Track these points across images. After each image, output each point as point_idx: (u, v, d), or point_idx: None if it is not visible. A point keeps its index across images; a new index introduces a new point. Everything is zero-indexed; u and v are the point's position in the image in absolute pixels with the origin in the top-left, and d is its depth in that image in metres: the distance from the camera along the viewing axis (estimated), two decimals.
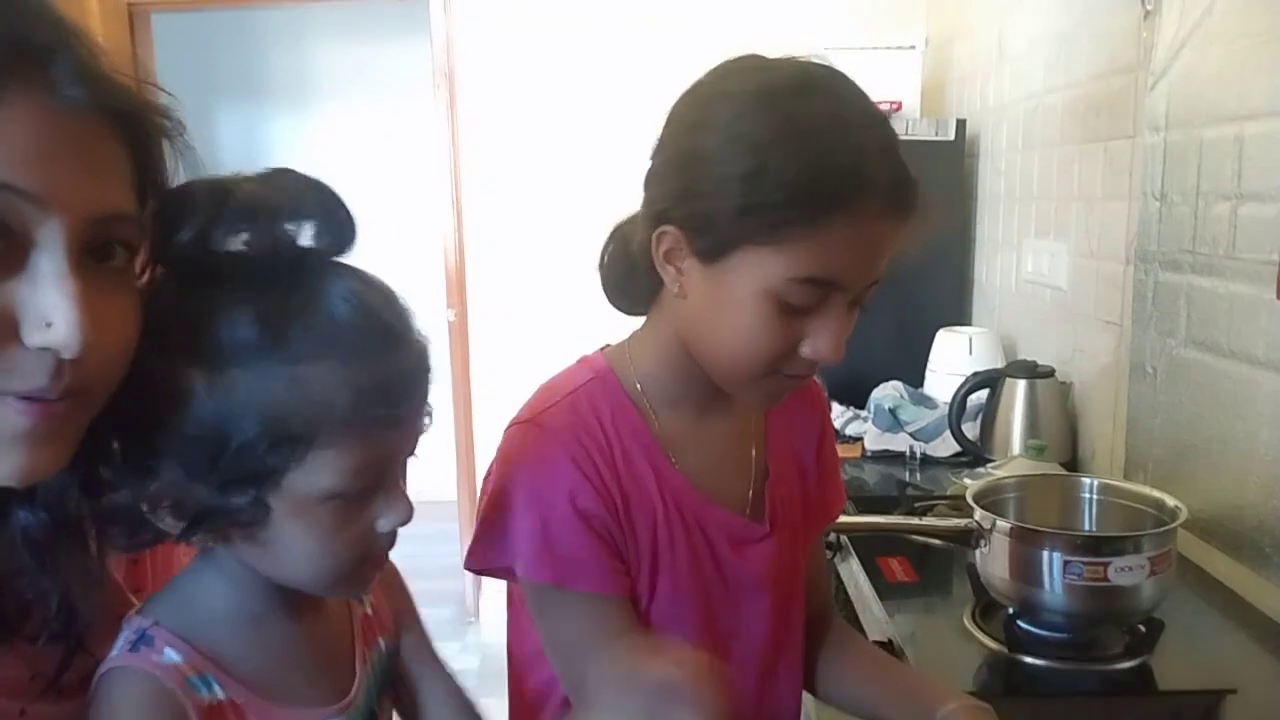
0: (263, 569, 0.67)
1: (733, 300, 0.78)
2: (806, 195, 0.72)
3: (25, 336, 0.51)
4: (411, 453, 0.68)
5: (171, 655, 0.64)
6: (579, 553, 0.83)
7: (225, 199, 0.61)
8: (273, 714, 0.68)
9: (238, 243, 0.61)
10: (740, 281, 0.77)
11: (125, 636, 0.66)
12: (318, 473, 0.61)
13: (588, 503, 0.83)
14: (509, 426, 0.89)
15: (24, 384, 0.52)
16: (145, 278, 0.62)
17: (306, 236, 0.63)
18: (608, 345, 0.94)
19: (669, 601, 0.88)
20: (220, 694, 0.65)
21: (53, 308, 0.51)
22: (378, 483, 0.65)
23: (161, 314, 0.60)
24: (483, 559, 0.86)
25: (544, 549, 0.82)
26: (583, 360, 0.92)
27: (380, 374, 0.62)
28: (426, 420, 0.68)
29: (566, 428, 0.85)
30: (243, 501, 0.61)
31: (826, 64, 0.79)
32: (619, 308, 0.93)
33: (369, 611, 0.80)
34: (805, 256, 0.74)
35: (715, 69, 0.81)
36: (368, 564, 0.68)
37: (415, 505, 0.68)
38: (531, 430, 0.86)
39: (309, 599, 0.72)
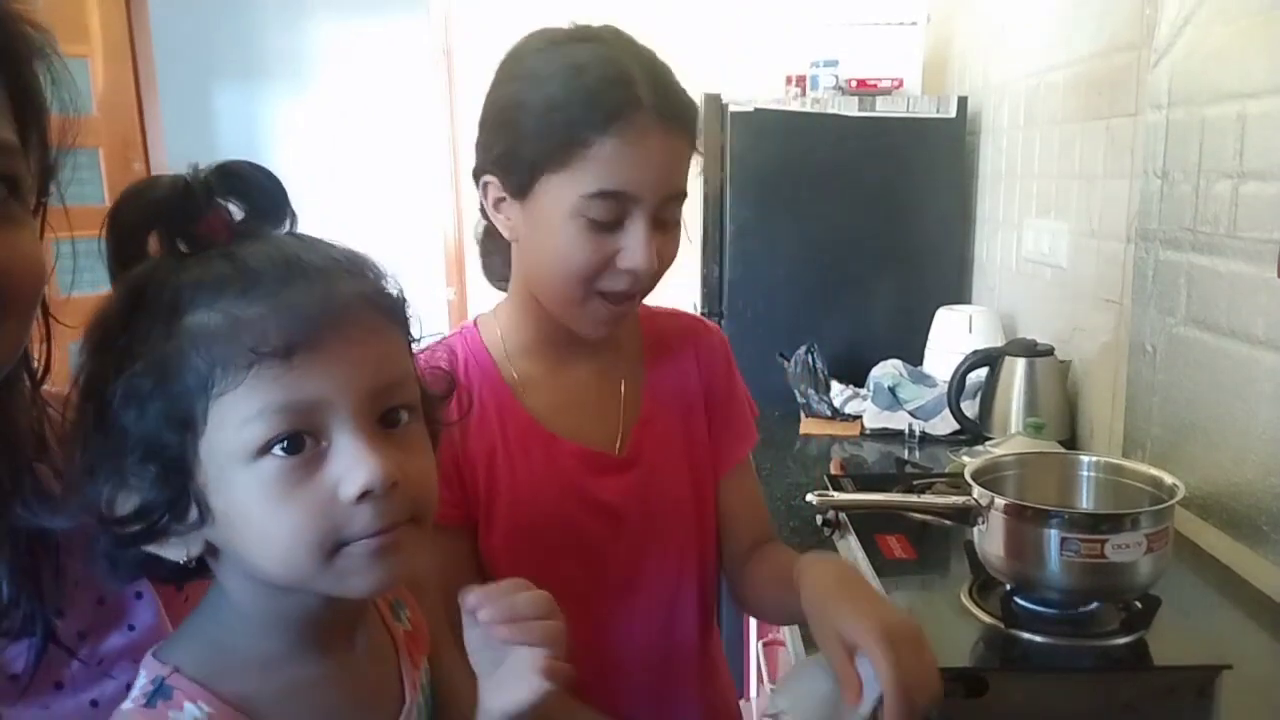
0: (253, 571, 0.59)
1: (547, 227, 0.88)
2: (581, 118, 0.84)
3: None
4: (365, 400, 0.57)
5: (192, 711, 0.57)
6: None
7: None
8: None
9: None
10: (549, 208, 0.87)
11: (140, 685, 0.59)
12: (230, 424, 0.54)
13: None
14: None
15: None
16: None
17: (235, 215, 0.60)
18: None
19: (516, 522, 0.95)
20: None
21: None
22: (316, 436, 0.55)
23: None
24: None
25: None
26: (462, 322, 1.05)
27: (268, 304, 0.54)
28: (382, 360, 0.58)
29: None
30: (155, 480, 0.55)
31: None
32: (495, 285, 1.06)
33: (409, 629, 0.72)
34: (592, 173, 0.85)
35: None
36: (354, 547, 0.56)
37: None
38: None
39: (339, 629, 0.65)
